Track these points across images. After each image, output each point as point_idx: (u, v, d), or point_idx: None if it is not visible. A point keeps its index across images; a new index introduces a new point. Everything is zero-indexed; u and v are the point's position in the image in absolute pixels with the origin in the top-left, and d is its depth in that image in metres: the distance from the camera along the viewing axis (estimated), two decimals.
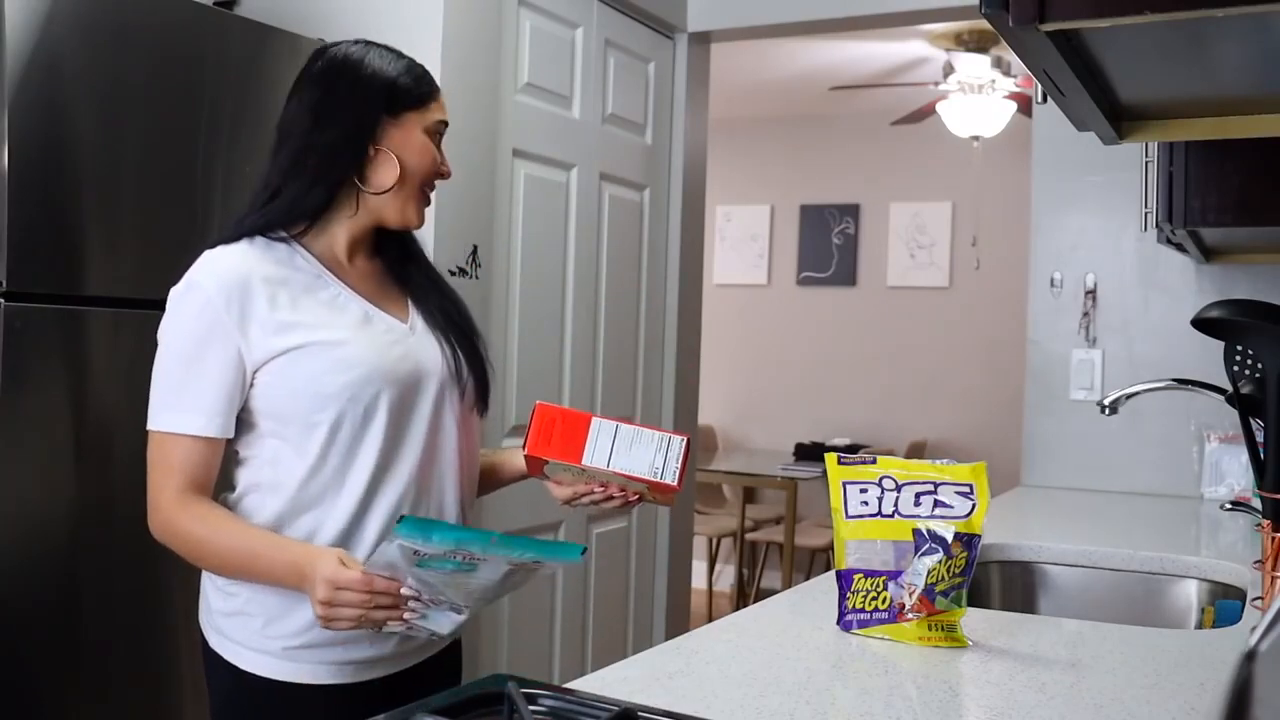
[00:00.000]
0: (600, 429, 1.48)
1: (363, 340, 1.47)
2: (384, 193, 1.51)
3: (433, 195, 1.59)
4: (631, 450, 1.47)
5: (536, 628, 3.03)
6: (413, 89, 1.53)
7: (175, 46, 2.18)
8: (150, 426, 1.46)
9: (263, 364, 1.44)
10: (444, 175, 1.58)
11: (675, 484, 1.46)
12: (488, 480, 1.70)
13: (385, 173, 1.51)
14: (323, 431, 1.44)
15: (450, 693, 1.10)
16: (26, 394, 1.94)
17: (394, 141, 1.51)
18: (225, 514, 1.46)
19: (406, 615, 1.35)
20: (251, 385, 1.45)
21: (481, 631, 2.76)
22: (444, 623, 1.37)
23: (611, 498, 1.55)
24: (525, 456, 1.52)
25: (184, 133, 2.20)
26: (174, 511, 1.44)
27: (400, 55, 1.56)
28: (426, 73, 1.57)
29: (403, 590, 1.32)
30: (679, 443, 1.48)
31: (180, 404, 1.44)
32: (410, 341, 1.53)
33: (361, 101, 1.51)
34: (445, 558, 1.25)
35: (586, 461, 1.47)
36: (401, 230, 1.57)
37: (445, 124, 1.57)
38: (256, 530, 1.45)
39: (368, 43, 1.56)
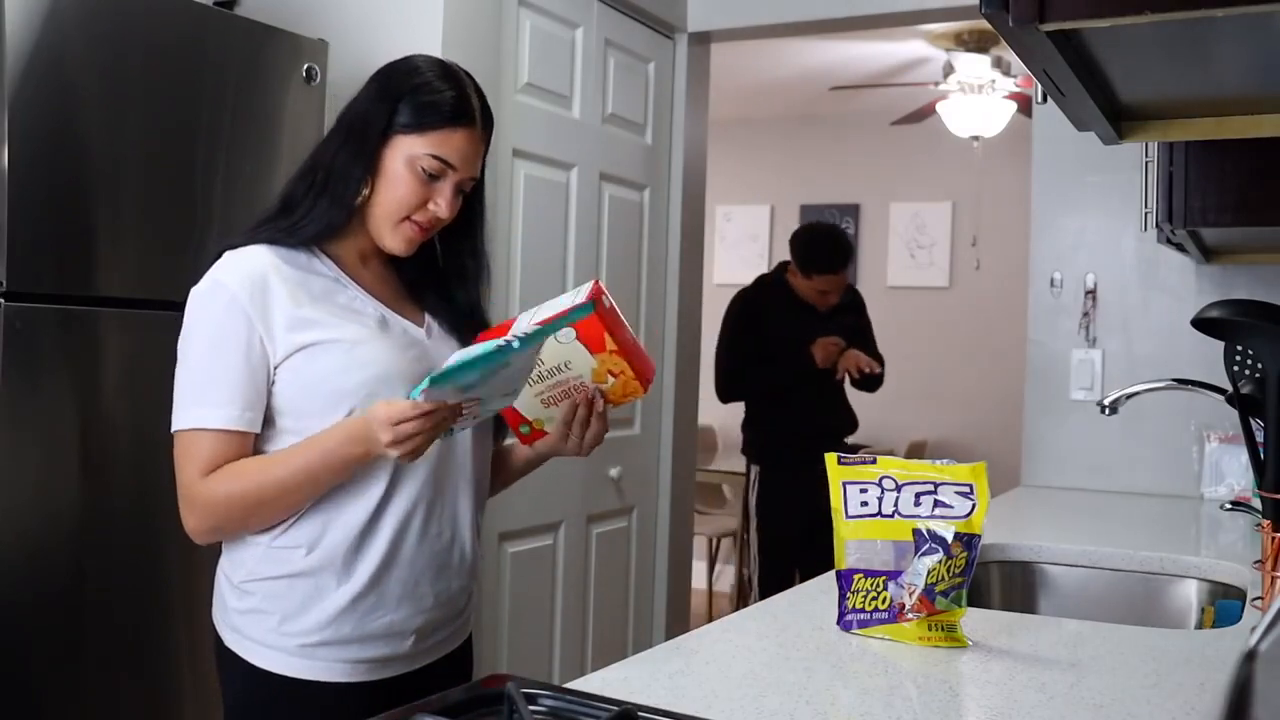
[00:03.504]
0: (520, 316, 1.55)
1: (378, 341, 1.47)
2: (374, 209, 1.50)
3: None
4: (547, 307, 1.52)
5: (536, 628, 3.03)
6: (413, 114, 1.47)
7: (175, 46, 2.18)
8: (174, 428, 1.44)
9: (283, 359, 1.43)
10: (433, 217, 1.50)
11: (586, 299, 1.45)
12: (501, 473, 1.72)
13: (372, 191, 1.50)
14: None
15: (450, 693, 1.10)
16: (27, 394, 1.94)
17: (382, 161, 1.48)
18: (246, 459, 1.43)
19: (466, 415, 1.40)
20: (273, 382, 1.44)
21: (482, 631, 2.76)
22: (504, 405, 1.50)
23: (577, 407, 1.55)
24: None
25: (184, 132, 2.20)
26: (200, 490, 1.42)
27: (447, 77, 1.50)
28: (447, 106, 1.47)
29: (450, 401, 1.36)
30: (587, 285, 1.50)
31: (204, 399, 1.42)
32: (426, 345, 1.54)
33: (362, 116, 1.50)
34: (477, 383, 1.36)
35: (512, 333, 1.45)
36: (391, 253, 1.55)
37: (450, 165, 1.47)
38: (285, 449, 1.44)
39: (431, 59, 1.53)
